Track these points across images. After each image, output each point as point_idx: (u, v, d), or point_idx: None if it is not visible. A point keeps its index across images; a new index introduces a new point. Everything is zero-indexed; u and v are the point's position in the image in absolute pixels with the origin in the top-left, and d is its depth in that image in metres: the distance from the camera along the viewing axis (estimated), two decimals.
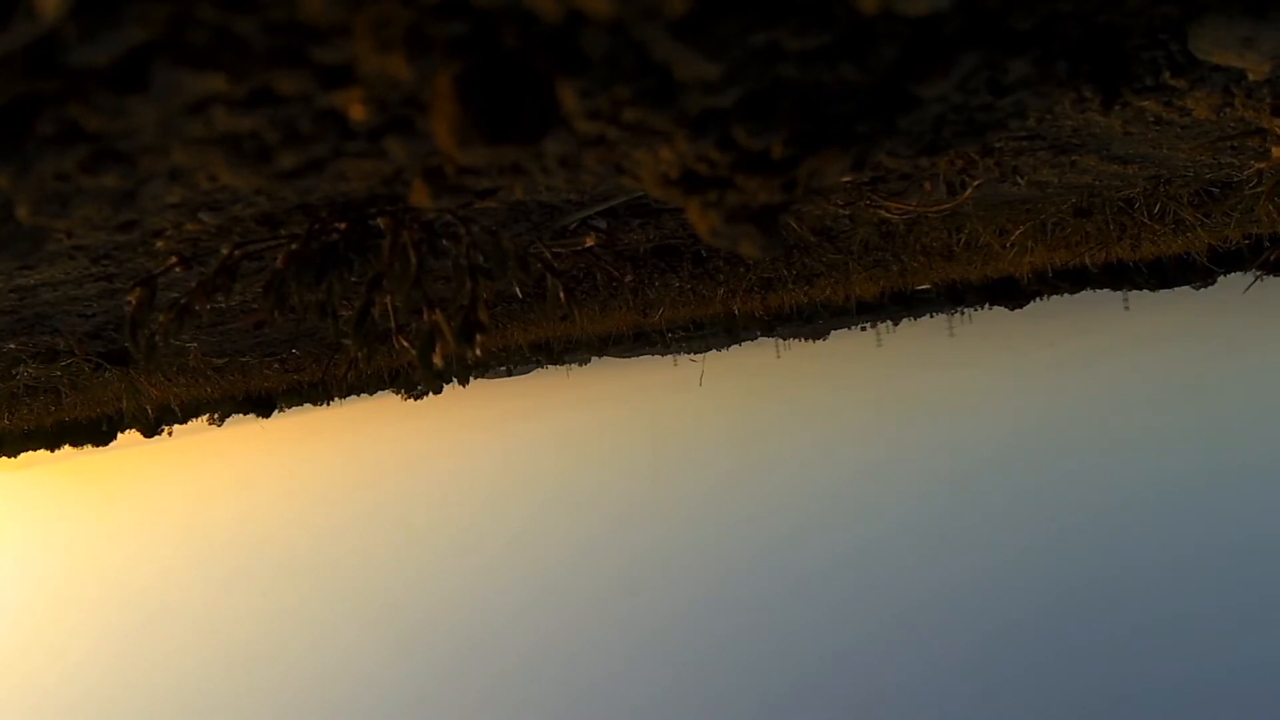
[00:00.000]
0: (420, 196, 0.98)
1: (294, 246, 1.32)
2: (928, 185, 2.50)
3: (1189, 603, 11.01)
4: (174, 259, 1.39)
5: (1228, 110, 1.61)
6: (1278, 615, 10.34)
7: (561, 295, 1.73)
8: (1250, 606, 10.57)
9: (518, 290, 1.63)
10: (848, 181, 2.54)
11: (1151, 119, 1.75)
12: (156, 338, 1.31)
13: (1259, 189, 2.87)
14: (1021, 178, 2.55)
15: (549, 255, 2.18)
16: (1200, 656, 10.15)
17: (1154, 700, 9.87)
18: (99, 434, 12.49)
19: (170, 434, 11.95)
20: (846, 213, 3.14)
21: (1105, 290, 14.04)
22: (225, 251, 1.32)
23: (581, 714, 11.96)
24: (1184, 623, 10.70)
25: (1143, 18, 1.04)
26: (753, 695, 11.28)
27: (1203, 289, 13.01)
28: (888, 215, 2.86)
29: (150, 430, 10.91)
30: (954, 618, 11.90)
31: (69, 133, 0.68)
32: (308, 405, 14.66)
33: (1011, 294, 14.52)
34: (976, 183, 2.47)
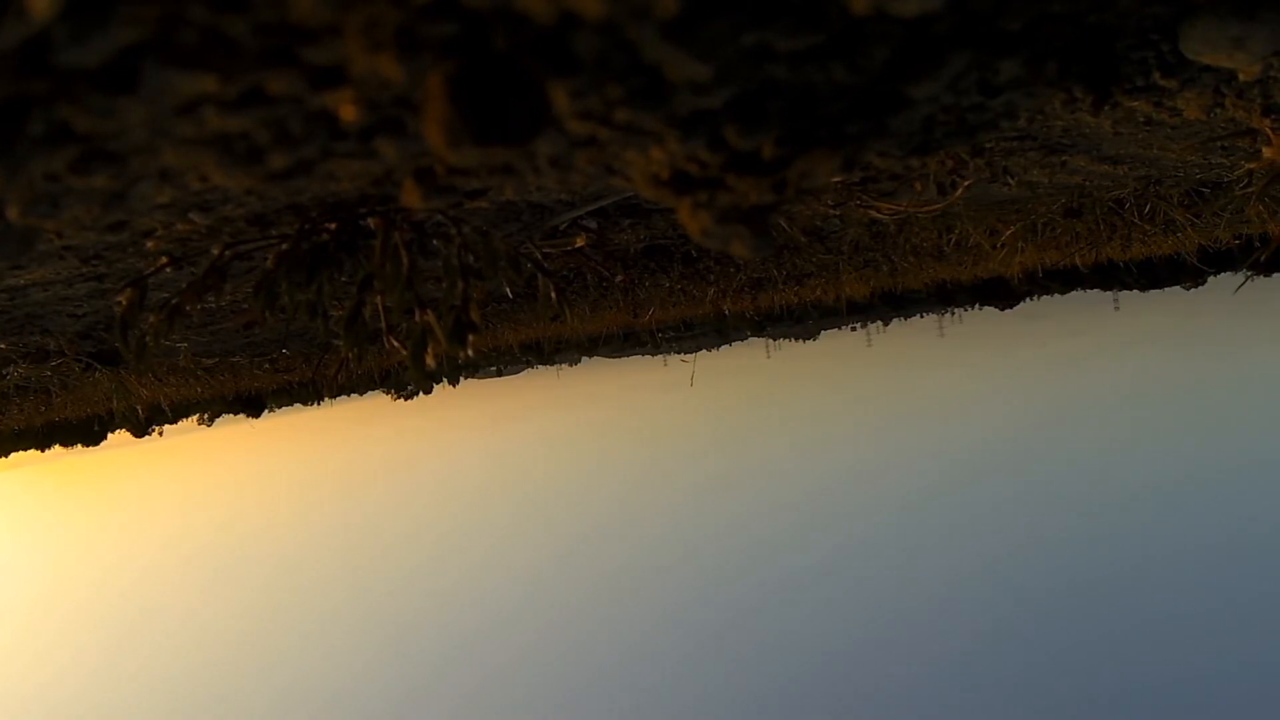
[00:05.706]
0: (411, 197, 0.98)
1: (284, 247, 1.31)
2: (918, 185, 2.51)
3: (1179, 601, 11.05)
4: (164, 259, 1.38)
5: (1218, 111, 1.61)
6: (1263, 611, 10.39)
7: (553, 295, 1.73)
8: (1238, 604, 10.62)
9: (508, 290, 1.63)
10: (838, 182, 2.54)
11: (1142, 119, 1.75)
12: (147, 338, 1.31)
13: (1249, 189, 2.88)
14: (1012, 178, 2.55)
15: (540, 255, 2.18)
16: (1190, 655, 10.18)
17: (1149, 698, 9.90)
18: (89, 434, 12.45)
19: (160, 434, 11.94)
20: (837, 213, 3.14)
21: (1096, 290, 14.12)
22: (216, 252, 1.32)
23: (572, 712, 11.95)
24: (1172, 621, 10.74)
25: (1133, 18, 1.04)
26: (744, 693, 11.28)
27: (1193, 289, 13.07)
28: (878, 215, 2.86)
29: (140, 430, 10.89)
30: (944, 615, 11.93)
31: (59, 133, 0.68)
32: (298, 405, 14.66)
33: (1002, 294, 14.56)
34: (967, 183, 2.47)
